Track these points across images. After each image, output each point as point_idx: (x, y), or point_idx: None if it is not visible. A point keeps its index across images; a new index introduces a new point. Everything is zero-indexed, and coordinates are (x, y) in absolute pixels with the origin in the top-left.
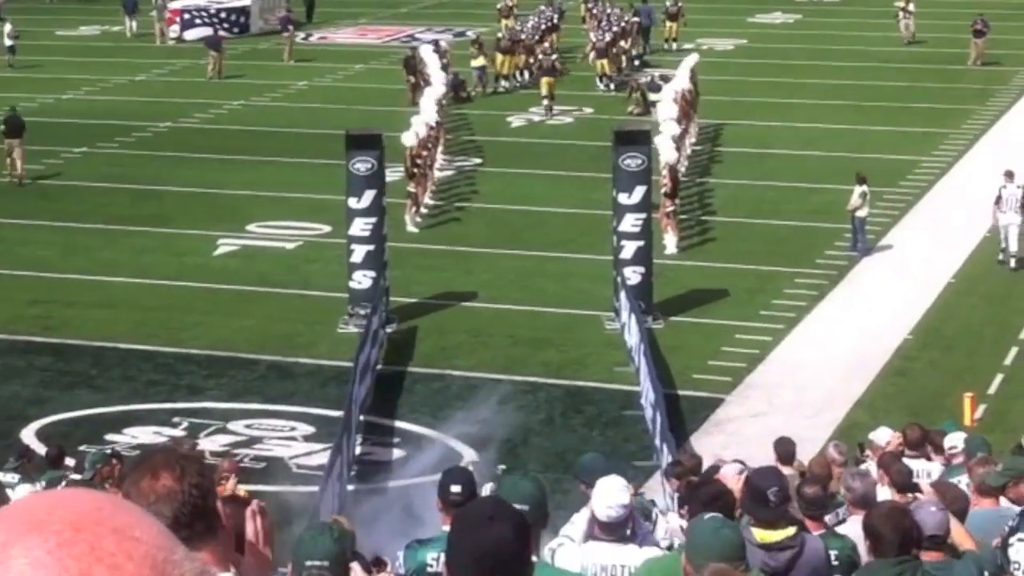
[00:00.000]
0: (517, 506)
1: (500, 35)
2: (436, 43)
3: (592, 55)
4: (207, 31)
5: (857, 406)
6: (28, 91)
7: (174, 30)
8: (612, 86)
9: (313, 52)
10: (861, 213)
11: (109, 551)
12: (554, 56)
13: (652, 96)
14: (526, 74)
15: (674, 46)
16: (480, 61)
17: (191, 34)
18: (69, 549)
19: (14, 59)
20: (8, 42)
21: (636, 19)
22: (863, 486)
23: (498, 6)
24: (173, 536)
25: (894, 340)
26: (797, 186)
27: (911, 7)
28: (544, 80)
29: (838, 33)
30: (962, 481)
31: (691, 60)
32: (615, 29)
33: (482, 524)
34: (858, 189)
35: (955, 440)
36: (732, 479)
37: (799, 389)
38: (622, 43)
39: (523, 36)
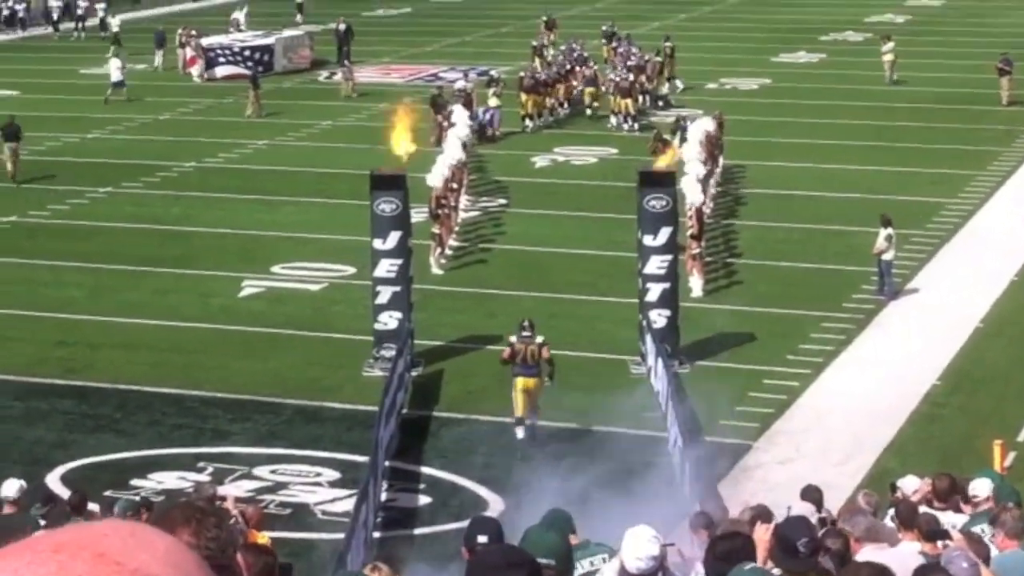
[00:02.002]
0: (542, 560)
1: (522, 75)
2: (463, 90)
3: (614, 95)
4: (231, 69)
5: (886, 452)
6: (53, 130)
7: (197, 69)
8: (636, 126)
9: (338, 91)
10: (887, 256)
11: (78, 571)
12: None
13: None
14: (555, 113)
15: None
16: (496, 101)
17: (217, 72)
18: (37, 567)
19: (114, 93)
20: (116, 76)
21: (658, 58)
22: (866, 521)
23: (533, 43)
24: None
25: (922, 385)
26: (823, 228)
27: (888, 56)
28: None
29: (863, 73)
30: (985, 530)
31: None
32: (630, 63)
33: (498, 572)
34: (884, 232)
35: (980, 488)
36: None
37: (827, 435)
38: (643, 80)
39: (545, 76)
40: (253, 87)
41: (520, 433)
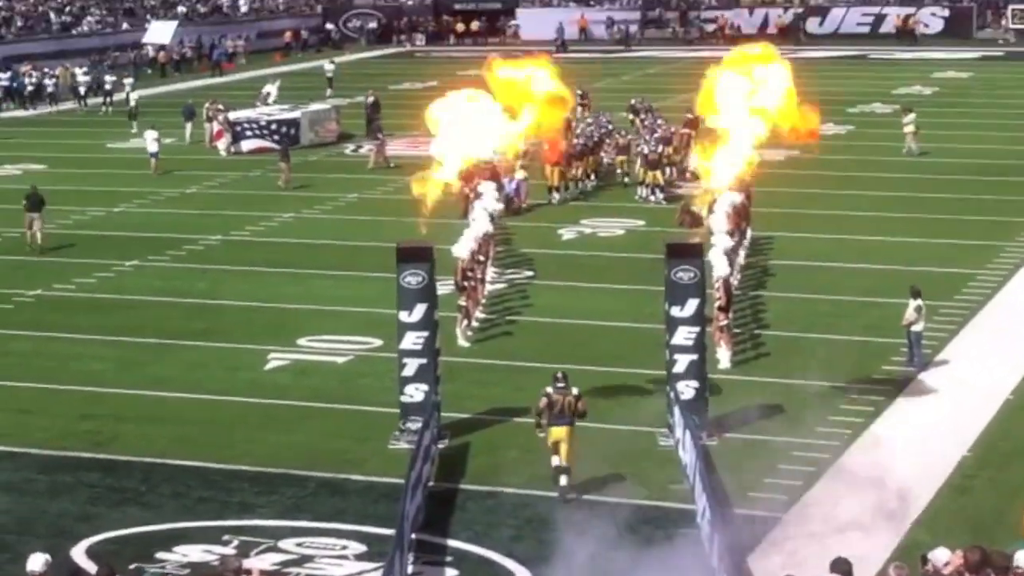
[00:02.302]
0: None
1: (547, 147)
2: (490, 162)
3: (643, 167)
4: (258, 143)
5: (916, 525)
6: (80, 204)
7: (223, 143)
8: (663, 197)
9: (364, 164)
10: (917, 327)
11: None
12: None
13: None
14: (582, 184)
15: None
16: (523, 174)
17: (243, 146)
18: None
19: (157, 164)
20: (153, 148)
21: (686, 130)
22: None
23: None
24: None
25: (953, 457)
26: (851, 300)
27: (909, 127)
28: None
29: (891, 144)
30: None
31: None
32: (656, 135)
33: None
34: (913, 303)
35: (1021, 560)
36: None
37: (856, 508)
38: (669, 151)
39: (571, 148)
40: (284, 159)
41: (563, 480)
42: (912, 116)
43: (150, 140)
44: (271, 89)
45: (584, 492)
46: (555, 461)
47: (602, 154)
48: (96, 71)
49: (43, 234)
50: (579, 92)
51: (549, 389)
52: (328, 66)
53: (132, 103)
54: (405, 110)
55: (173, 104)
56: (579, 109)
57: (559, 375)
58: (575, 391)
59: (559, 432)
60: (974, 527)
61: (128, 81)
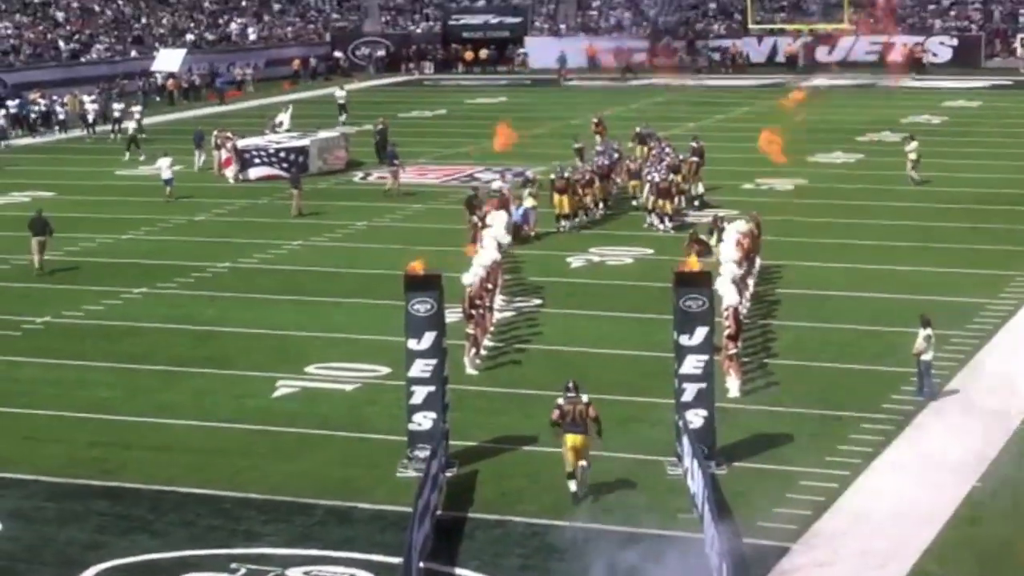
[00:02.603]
0: None
1: (553, 176)
2: (499, 191)
3: (649, 195)
4: (266, 171)
5: (926, 556)
6: (88, 231)
7: (231, 170)
8: (671, 226)
9: (372, 192)
10: (927, 357)
11: None
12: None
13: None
14: (591, 213)
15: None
16: (531, 202)
17: (251, 173)
18: None
19: (171, 192)
20: (166, 174)
21: (694, 158)
22: None
23: (574, 146)
24: None
25: (963, 487)
26: (861, 329)
27: (912, 156)
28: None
29: (900, 173)
30: None
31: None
32: (666, 162)
33: None
34: (923, 332)
35: None
36: None
37: (866, 538)
38: (678, 180)
39: (577, 176)
40: (296, 187)
41: (572, 486)
42: (914, 144)
43: (164, 167)
44: (283, 117)
45: (592, 521)
46: (568, 467)
47: (615, 178)
48: (103, 98)
49: (45, 258)
50: (594, 120)
51: (560, 400)
52: (339, 93)
53: (130, 131)
54: (414, 138)
55: (181, 132)
56: (595, 137)
57: (570, 384)
58: (585, 399)
59: (574, 439)
60: (984, 558)
61: (136, 109)
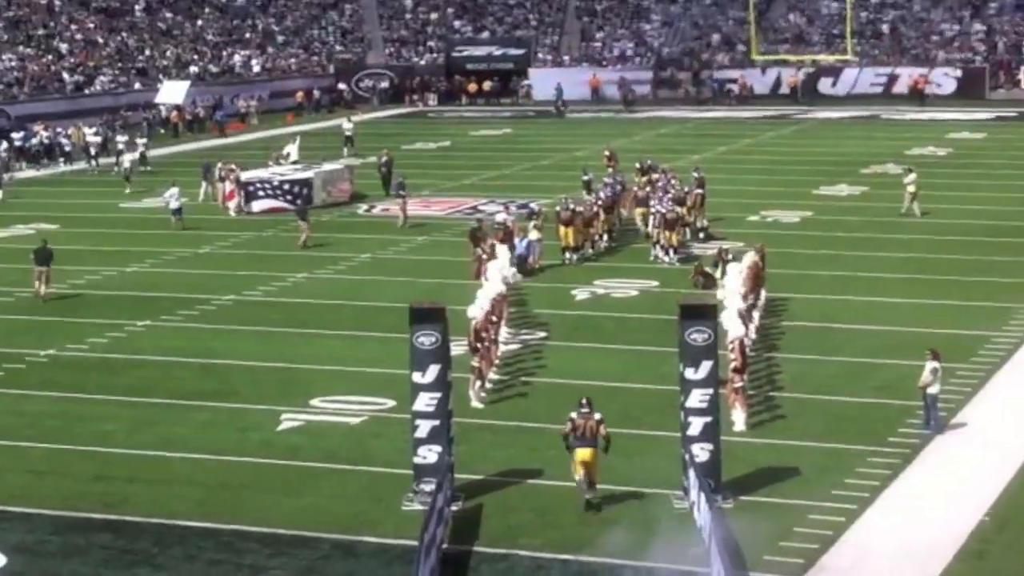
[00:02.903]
0: None
1: (559, 208)
2: (503, 223)
3: (655, 228)
4: (270, 203)
5: None
6: (92, 264)
7: (234, 203)
8: (676, 259)
9: (377, 224)
10: (933, 390)
11: None
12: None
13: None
14: (595, 245)
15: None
16: (536, 234)
17: (255, 206)
18: None
19: (177, 222)
20: (175, 204)
21: (699, 190)
22: None
23: (583, 178)
24: None
25: (970, 521)
26: (867, 362)
27: (911, 188)
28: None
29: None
30: None
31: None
32: (671, 195)
33: None
34: (929, 365)
35: None
36: None
37: (873, 572)
38: (683, 212)
39: (582, 209)
40: (303, 219)
41: (588, 494)
42: (913, 176)
43: (173, 197)
44: (291, 149)
45: (598, 554)
46: (578, 478)
47: (620, 211)
48: (103, 131)
49: (48, 288)
50: (606, 152)
51: (573, 414)
52: (347, 125)
53: (127, 164)
54: (418, 170)
55: (184, 164)
56: (608, 169)
57: (583, 401)
58: (597, 416)
59: (583, 453)
60: None
61: (141, 141)
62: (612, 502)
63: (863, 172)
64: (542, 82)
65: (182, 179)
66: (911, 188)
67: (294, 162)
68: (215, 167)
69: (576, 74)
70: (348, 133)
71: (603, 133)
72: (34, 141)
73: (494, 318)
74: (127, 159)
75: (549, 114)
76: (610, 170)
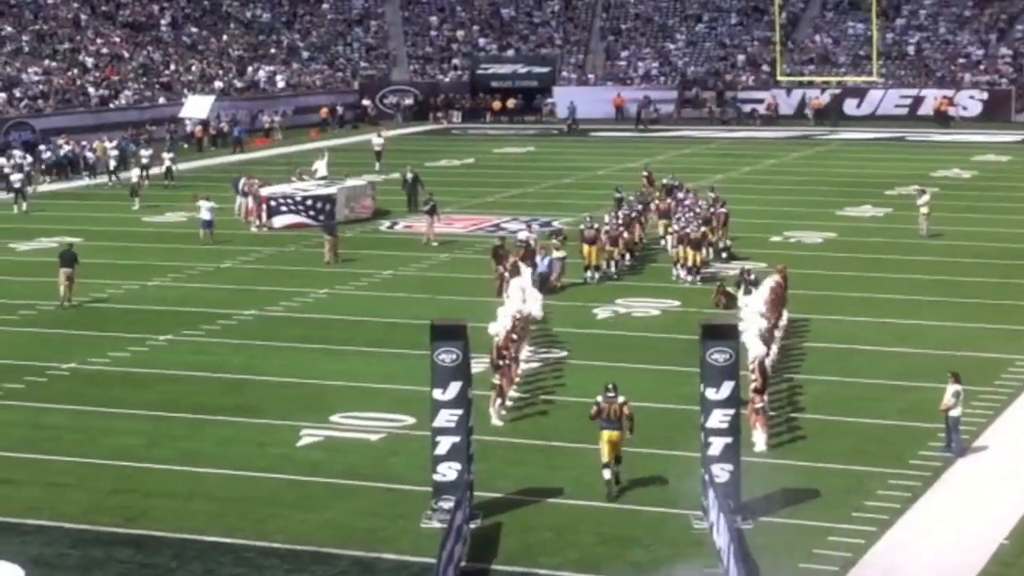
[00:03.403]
0: None
1: (582, 226)
2: (525, 241)
3: (677, 246)
4: (293, 219)
5: None
6: (113, 278)
7: (255, 219)
8: (698, 278)
9: (398, 241)
10: (955, 412)
11: None
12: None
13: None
14: (614, 264)
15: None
16: (561, 252)
17: (276, 221)
18: None
19: (206, 236)
20: (207, 216)
21: (723, 209)
22: None
23: (616, 195)
24: None
25: (990, 545)
26: (888, 384)
27: (924, 209)
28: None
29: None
30: None
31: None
32: (694, 213)
33: None
34: (951, 388)
35: None
36: None
37: None
38: (707, 232)
39: (607, 227)
40: (331, 234)
41: (607, 475)
42: (926, 198)
43: (204, 209)
44: (319, 165)
45: (616, 574)
46: (604, 459)
47: (643, 228)
48: (124, 144)
49: (72, 292)
50: (644, 173)
51: (599, 398)
52: (376, 140)
53: (135, 179)
54: (442, 187)
55: (208, 179)
56: (647, 189)
57: (609, 386)
58: (621, 399)
59: (610, 434)
60: None
61: (168, 156)
62: (631, 521)
63: (888, 193)
64: (566, 100)
65: (207, 193)
66: (924, 210)
67: (322, 177)
68: (239, 183)
69: (600, 93)
70: (378, 148)
71: (626, 152)
72: (60, 154)
73: (515, 336)
74: (135, 174)
75: (573, 132)
76: (643, 190)
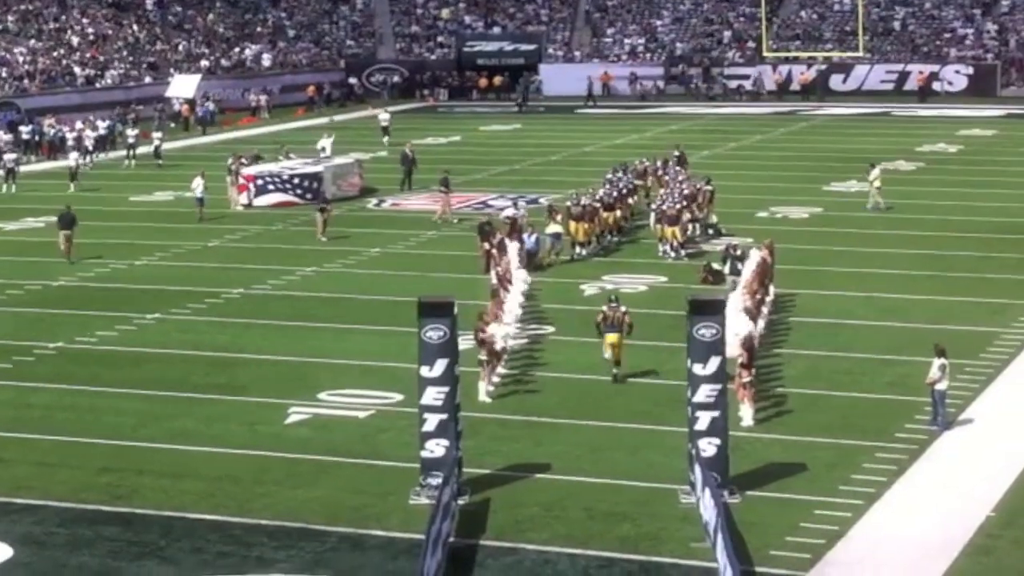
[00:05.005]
0: None
1: (569, 203)
2: (511, 218)
3: (657, 223)
4: (279, 197)
5: None
6: (101, 257)
7: (244, 197)
8: (683, 254)
9: (386, 218)
10: (941, 386)
11: None
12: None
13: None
14: (604, 239)
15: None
16: (555, 228)
17: (264, 200)
18: None
19: (202, 212)
20: (200, 194)
21: (709, 187)
22: None
23: (607, 176)
24: None
25: (976, 517)
26: (875, 358)
27: (876, 183)
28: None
29: (914, 202)
30: None
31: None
32: (685, 193)
33: None
34: (937, 361)
35: None
36: None
37: (879, 567)
38: (693, 209)
39: (596, 203)
40: (323, 211)
41: (615, 370)
42: (877, 171)
43: (198, 187)
44: (325, 143)
45: (604, 549)
46: (607, 355)
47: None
48: (112, 124)
49: (73, 251)
50: (676, 153)
51: (604, 307)
52: (383, 116)
53: (73, 163)
54: (428, 165)
55: (196, 158)
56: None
57: (613, 297)
58: (623, 308)
59: (612, 337)
60: None
61: (157, 135)
62: (618, 496)
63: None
64: (553, 78)
65: (188, 173)
66: (876, 184)
67: (327, 156)
68: (227, 161)
69: (589, 69)
70: (384, 123)
71: (613, 129)
72: (51, 134)
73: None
74: (73, 157)
75: (560, 110)
76: (679, 168)
